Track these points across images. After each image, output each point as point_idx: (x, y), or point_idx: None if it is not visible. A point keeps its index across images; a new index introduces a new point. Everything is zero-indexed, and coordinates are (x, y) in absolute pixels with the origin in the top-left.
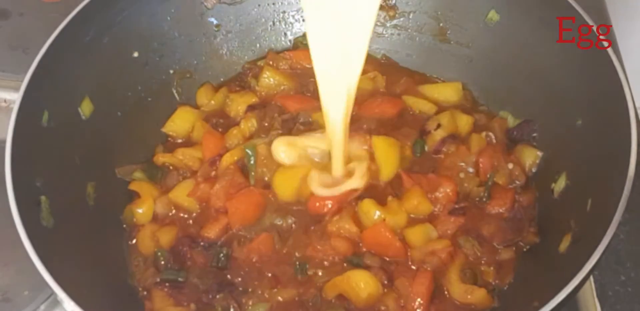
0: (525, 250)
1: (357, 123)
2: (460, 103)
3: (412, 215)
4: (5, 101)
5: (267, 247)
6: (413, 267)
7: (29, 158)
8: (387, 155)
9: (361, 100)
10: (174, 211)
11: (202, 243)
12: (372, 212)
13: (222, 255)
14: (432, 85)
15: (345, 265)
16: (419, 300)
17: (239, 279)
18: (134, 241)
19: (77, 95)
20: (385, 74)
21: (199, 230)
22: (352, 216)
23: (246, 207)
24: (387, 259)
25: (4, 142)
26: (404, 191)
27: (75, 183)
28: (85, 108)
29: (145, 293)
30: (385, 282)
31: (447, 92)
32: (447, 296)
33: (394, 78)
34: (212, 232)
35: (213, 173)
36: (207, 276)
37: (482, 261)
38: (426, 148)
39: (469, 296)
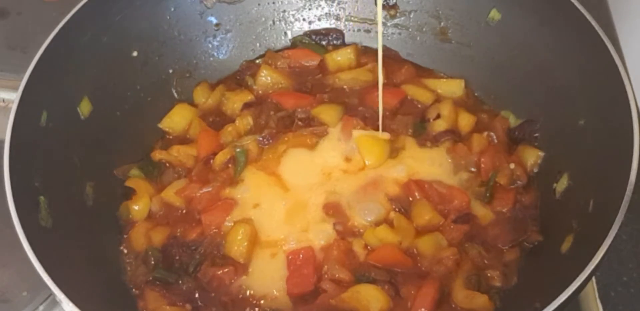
0: (528, 249)
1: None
2: (463, 99)
3: (419, 227)
4: (3, 101)
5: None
6: (420, 276)
7: (28, 158)
8: (370, 148)
9: (361, 92)
10: (163, 210)
11: (192, 247)
12: (384, 239)
13: (191, 264)
14: (435, 79)
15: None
16: (422, 310)
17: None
18: (127, 236)
19: (75, 95)
20: (385, 65)
21: (186, 230)
22: (339, 261)
23: (219, 221)
24: (394, 269)
25: (2, 142)
26: (412, 205)
27: (74, 183)
28: (84, 108)
29: (137, 291)
30: (394, 294)
31: (450, 86)
32: (453, 304)
33: (394, 68)
34: (191, 234)
35: (208, 172)
36: (189, 281)
37: (489, 267)
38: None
39: (470, 302)
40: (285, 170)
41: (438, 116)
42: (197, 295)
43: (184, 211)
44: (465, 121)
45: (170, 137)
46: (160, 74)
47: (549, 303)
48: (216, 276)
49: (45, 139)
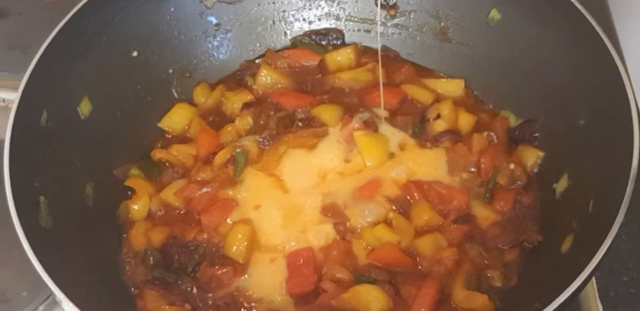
0: (528, 249)
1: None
2: (463, 99)
3: (418, 228)
4: (3, 101)
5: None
6: (420, 276)
7: (28, 158)
8: (371, 149)
9: (361, 92)
10: (163, 210)
11: (191, 247)
12: (382, 238)
13: (190, 263)
14: (435, 79)
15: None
16: (423, 310)
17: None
18: (127, 236)
19: (76, 94)
20: (385, 64)
21: (185, 230)
22: (339, 261)
23: (219, 221)
24: (394, 269)
25: (2, 142)
26: (411, 205)
27: (74, 183)
28: (84, 108)
29: (136, 291)
30: (394, 294)
31: (450, 86)
32: (453, 304)
33: (394, 68)
34: (190, 234)
35: (207, 172)
36: (188, 281)
37: (489, 267)
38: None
39: (470, 302)
40: (285, 171)
41: (438, 116)
42: (195, 295)
43: (183, 211)
44: (465, 121)
45: (170, 136)
46: (160, 74)
47: (549, 303)
48: (215, 276)
49: (45, 139)
